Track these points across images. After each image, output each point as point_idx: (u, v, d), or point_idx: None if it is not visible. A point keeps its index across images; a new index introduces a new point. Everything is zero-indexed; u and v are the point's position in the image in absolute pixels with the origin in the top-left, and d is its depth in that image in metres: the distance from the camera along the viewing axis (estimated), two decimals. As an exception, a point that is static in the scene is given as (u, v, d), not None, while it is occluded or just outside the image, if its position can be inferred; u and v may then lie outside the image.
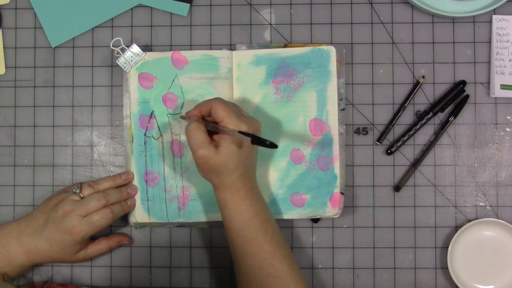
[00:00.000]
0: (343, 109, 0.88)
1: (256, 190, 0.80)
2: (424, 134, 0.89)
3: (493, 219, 0.87)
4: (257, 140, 0.72)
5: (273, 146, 0.72)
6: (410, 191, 0.89)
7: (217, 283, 0.89)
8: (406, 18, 0.90)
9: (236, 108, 0.78)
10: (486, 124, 0.89)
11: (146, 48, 0.90)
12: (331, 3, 0.90)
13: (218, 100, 0.78)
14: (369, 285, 0.89)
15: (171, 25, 0.91)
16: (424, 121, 0.88)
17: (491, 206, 0.89)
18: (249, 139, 0.73)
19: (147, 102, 0.87)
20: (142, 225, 0.88)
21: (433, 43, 0.90)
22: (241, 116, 0.77)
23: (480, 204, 0.89)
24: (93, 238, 0.85)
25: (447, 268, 0.86)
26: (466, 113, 0.89)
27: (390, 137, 0.89)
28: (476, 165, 0.89)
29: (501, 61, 0.88)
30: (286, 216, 0.87)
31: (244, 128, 0.75)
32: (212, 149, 0.75)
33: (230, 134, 0.75)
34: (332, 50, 0.87)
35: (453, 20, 0.90)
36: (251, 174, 0.79)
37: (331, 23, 0.90)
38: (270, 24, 0.91)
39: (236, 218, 0.77)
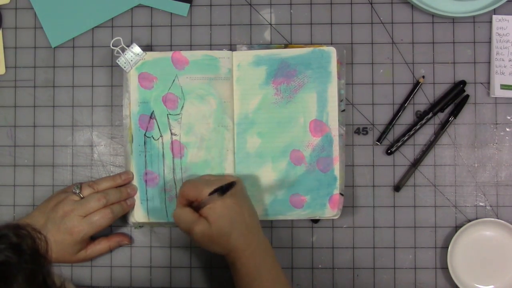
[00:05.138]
0: (344, 110, 0.88)
1: (263, 245, 0.79)
2: (424, 134, 0.89)
3: (493, 219, 0.87)
4: (223, 190, 0.75)
5: (231, 185, 0.75)
6: (410, 191, 0.89)
7: (217, 283, 0.89)
8: (406, 18, 0.90)
9: (203, 179, 0.81)
10: (486, 124, 0.89)
11: (146, 48, 0.90)
12: (331, 3, 0.90)
13: (185, 184, 0.80)
14: (369, 285, 0.89)
15: (171, 25, 0.91)
16: (424, 121, 0.88)
17: (491, 206, 0.89)
18: (221, 195, 0.75)
19: (147, 103, 0.87)
20: (141, 225, 0.88)
21: (433, 43, 0.90)
22: (210, 182, 0.78)
23: (480, 204, 0.89)
24: (93, 238, 0.85)
25: (447, 268, 0.86)
26: (466, 113, 0.89)
27: (390, 137, 0.89)
28: (476, 165, 0.89)
29: (501, 61, 0.88)
30: (285, 217, 0.87)
31: None
32: (204, 221, 0.76)
33: (209, 203, 0.76)
34: (332, 51, 0.87)
35: (453, 20, 0.90)
36: (253, 230, 0.79)
37: (331, 23, 0.90)
38: (270, 24, 0.90)
39: (245, 279, 0.77)
